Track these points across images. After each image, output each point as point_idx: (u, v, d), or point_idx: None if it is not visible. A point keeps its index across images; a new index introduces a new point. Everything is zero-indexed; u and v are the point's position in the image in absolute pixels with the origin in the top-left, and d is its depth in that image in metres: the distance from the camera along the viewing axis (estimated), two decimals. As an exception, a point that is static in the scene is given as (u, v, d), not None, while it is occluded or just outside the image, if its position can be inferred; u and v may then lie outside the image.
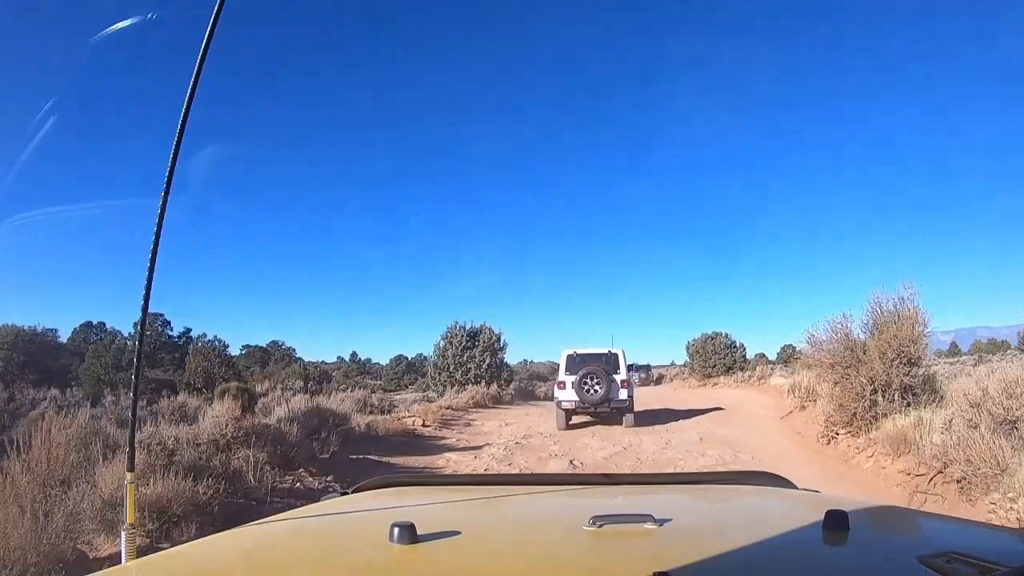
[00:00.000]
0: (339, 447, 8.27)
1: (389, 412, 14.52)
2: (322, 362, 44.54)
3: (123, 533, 1.38)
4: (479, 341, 23.26)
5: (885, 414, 7.44)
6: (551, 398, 16.00)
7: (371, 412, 13.21)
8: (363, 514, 1.29)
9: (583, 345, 12.85)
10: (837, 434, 8.48)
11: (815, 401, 11.32)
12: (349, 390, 18.82)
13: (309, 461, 7.21)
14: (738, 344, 29.00)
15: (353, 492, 1.50)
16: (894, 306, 7.98)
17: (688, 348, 30.58)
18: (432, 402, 18.39)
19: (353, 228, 56.66)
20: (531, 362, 47.75)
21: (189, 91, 1.45)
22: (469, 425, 14.87)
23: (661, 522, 0.98)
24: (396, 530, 0.90)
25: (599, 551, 0.95)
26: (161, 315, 24.21)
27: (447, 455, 9.74)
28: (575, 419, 12.86)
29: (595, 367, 11.68)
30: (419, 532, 0.91)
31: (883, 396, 7.66)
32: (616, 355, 12.24)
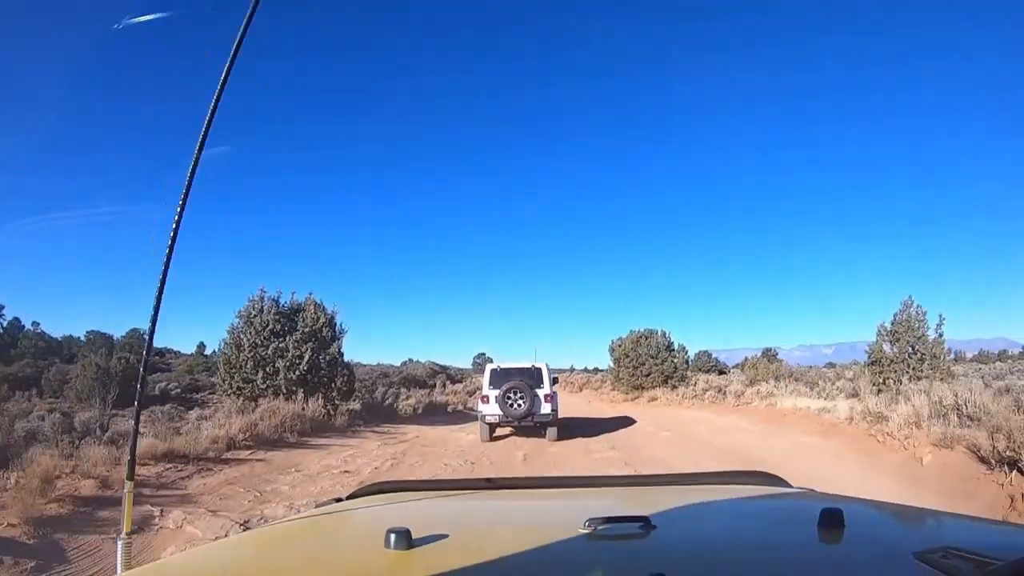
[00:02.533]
0: None
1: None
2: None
3: (119, 542, 1.33)
4: (299, 324, 13.99)
5: None
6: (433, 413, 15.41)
7: None
8: (358, 520, 1.29)
9: (508, 359, 12.45)
10: None
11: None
12: None
13: None
14: (678, 347, 21.84)
15: (348, 498, 1.48)
16: None
17: (612, 351, 22.98)
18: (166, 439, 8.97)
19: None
20: (414, 362, 38.57)
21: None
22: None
23: (657, 523, 0.97)
24: (392, 536, 0.88)
25: (595, 553, 0.92)
26: None
27: None
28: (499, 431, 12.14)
29: (518, 381, 11.28)
30: (414, 537, 0.89)
31: None
32: (539, 369, 11.89)
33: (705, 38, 67.28)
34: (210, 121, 1.44)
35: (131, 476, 1.41)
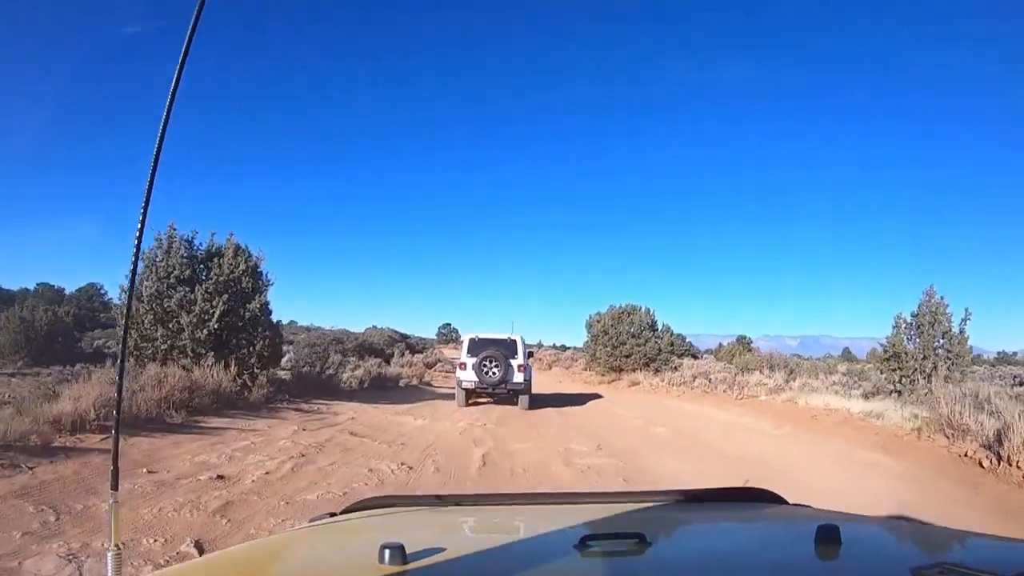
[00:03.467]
0: None
1: None
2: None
3: (108, 555, 1.24)
4: (214, 271, 11.15)
5: None
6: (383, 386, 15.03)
7: None
8: (351, 535, 1.27)
9: (486, 330, 13.00)
10: None
11: None
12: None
13: None
14: (662, 327, 19.67)
15: (342, 513, 1.45)
16: None
17: (589, 327, 20.69)
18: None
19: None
20: (380, 327, 35.83)
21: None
22: None
23: (652, 540, 0.96)
24: (386, 551, 0.86)
25: (590, 570, 0.92)
26: None
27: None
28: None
29: (494, 351, 12.06)
30: (408, 553, 0.88)
31: None
32: (514, 341, 12.50)
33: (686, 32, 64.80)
34: (180, 74, 1.29)
35: (115, 485, 1.31)
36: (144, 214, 1.31)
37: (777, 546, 1.09)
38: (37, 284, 33.57)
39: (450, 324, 72.18)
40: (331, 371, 14.60)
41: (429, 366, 27.72)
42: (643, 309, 19.54)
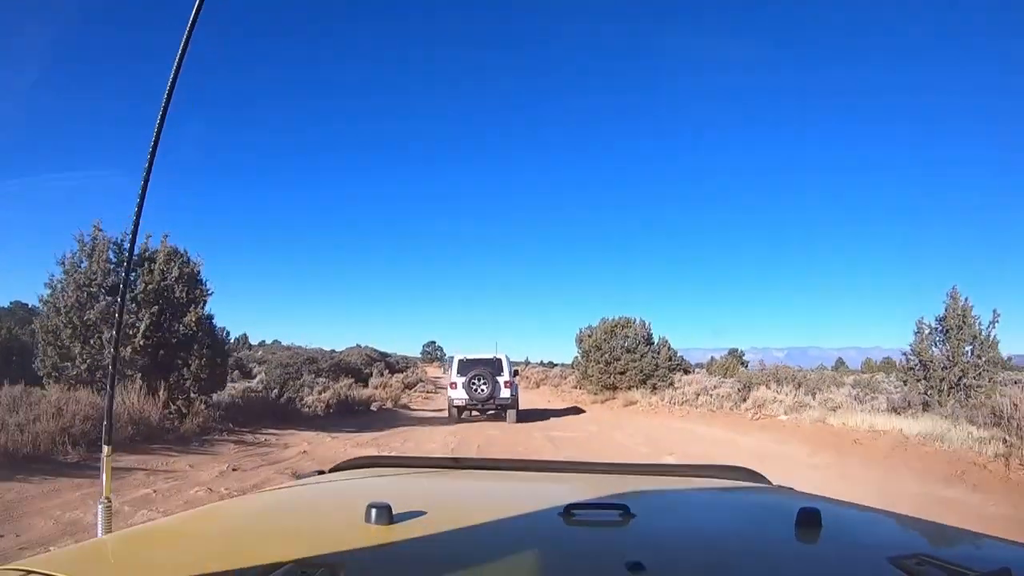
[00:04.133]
0: None
1: None
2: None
3: (99, 506, 1.32)
4: (142, 278, 9.49)
5: None
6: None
7: None
8: (339, 494, 1.28)
9: (472, 351, 13.83)
10: None
11: None
12: None
13: None
14: (658, 341, 18.20)
15: (330, 471, 1.47)
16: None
17: (580, 341, 19.16)
18: None
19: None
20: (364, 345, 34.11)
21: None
22: None
23: (635, 511, 0.96)
24: (373, 510, 0.87)
25: (573, 538, 0.92)
26: None
27: None
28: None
29: (482, 370, 12.83)
30: (395, 512, 0.88)
31: None
32: (500, 360, 13.30)
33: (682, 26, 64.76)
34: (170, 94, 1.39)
35: (109, 440, 1.41)
36: (136, 222, 1.39)
37: (759, 525, 1.08)
38: (11, 302, 32.02)
39: (434, 342, 70.41)
40: (291, 394, 12.89)
41: (409, 386, 25.99)
42: (638, 321, 18.10)
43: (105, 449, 1.40)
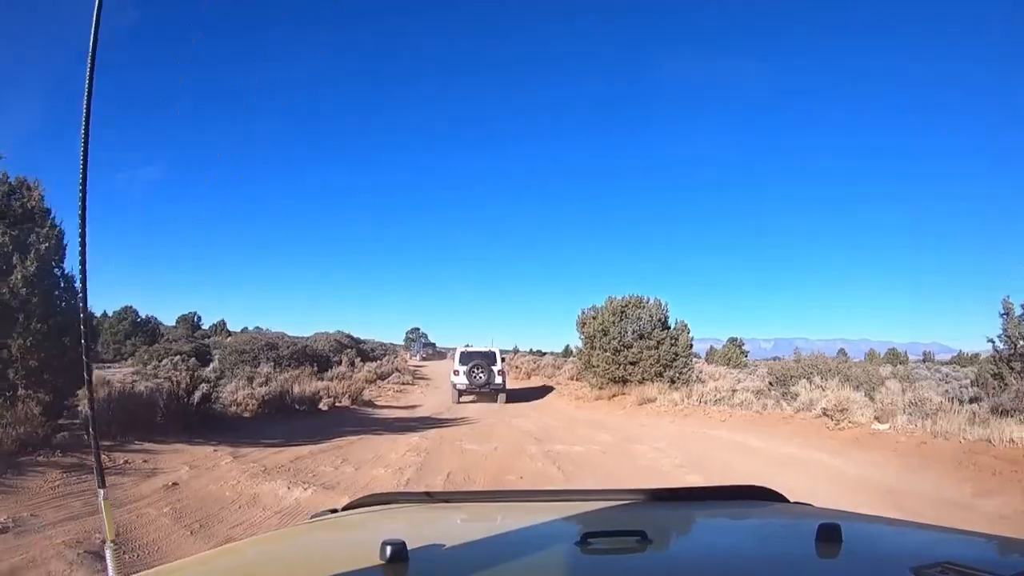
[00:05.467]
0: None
1: None
2: None
3: (107, 551, 1.20)
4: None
5: None
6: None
7: None
8: (353, 532, 1.27)
9: (473, 344, 16.99)
10: None
11: None
12: None
13: None
14: (676, 325, 15.15)
15: (343, 510, 1.42)
16: None
17: (582, 325, 16.03)
18: None
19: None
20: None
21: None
22: None
23: (653, 538, 0.95)
24: (387, 548, 0.85)
25: (591, 568, 0.92)
26: None
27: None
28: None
29: (480, 360, 15.62)
30: (410, 549, 0.86)
31: None
32: (494, 352, 16.10)
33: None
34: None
35: (102, 483, 1.29)
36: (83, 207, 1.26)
37: (779, 544, 1.09)
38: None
39: (418, 328, 67.20)
40: (206, 390, 9.63)
41: (382, 377, 22.83)
42: (651, 301, 15.01)
43: (100, 493, 1.25)
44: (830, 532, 0.93)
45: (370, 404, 14.29)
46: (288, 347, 23.05)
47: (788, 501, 1.41)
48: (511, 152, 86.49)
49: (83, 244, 1.26)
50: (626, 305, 14.78)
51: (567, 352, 42.67)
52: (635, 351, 14.30)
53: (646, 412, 12.10)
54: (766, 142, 72.79)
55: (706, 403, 11.22)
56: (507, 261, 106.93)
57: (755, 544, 1.08)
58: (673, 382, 14.15)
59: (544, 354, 39.10)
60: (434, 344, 48.47)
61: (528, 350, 45.55)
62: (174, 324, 40.03)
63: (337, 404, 12.52)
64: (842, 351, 48.50)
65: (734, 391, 11.41)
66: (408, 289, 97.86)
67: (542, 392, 18.67)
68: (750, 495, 1.47)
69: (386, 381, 21.53)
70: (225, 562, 1.08)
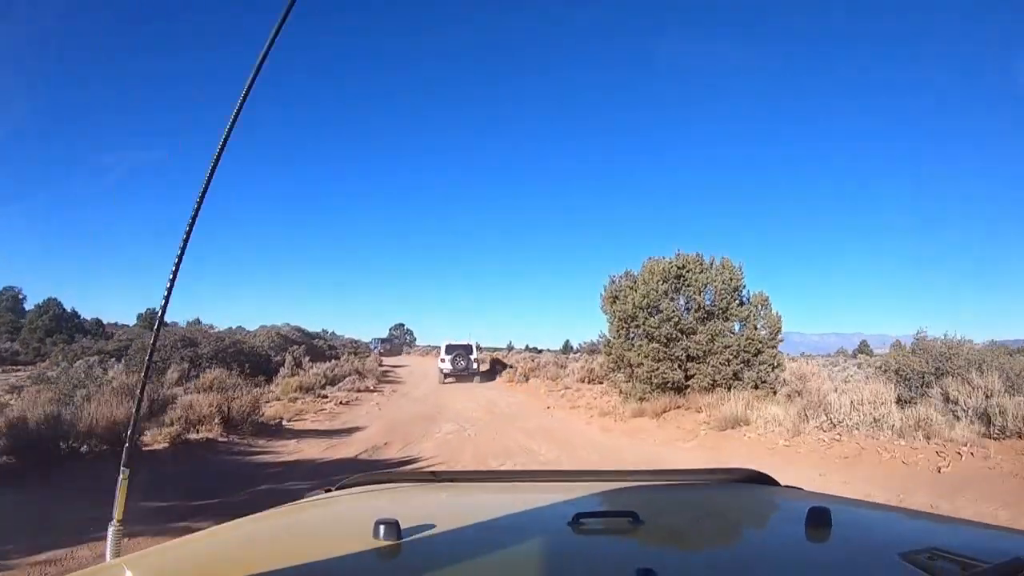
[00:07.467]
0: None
1: None
2: None
3: (110, 529, 1.26)
4: None
5: None
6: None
7: None
8: (347, 511, 1.26)
9: (455, 339, 21.25)
10: None
11: None
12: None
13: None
14: (752, 296, 9.83)
15: (337, 489, 1.41)
16: None
17: (611, 302, 10.59)
18: None
19: None
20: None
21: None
22: None
23: (644, 518, 0.95)
24: (381, 527, 0.85)
25: (583, 548, 0.90)
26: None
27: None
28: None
29: (460, 351, 20.39)
30: (403, 528, 0.86)
31: None
32: (471, 345, 20.89)
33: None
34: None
35: (128, 464, 1.36)
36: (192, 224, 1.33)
37: (768, 527, 1.09)
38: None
39: (403, 324, 62.02)
40: None
41: (333, 382, 17.35)
42: (718, 262, 9.74)
43: (123, 472, 1.33)
44: (820, 516, 0.92)
45: (277, 428, 8.90)
46: (208, 345, 17.59)
47: (779, 485, 1.40)
48: (511, 151, 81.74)
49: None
50: (683, 267, 9.42)
51: (567, 348, 37.50)
52: (699, 341, 8.98)
53: (736, 445, 6.81)
54: (765, 138, 68.99)
55: (838, 425, 5.92)
56: (498, 257, 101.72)
57: (746, 526, 1.09)
58: (756, 387, 8.90)
59: (541, 351, 33.95)
60: (392, 339, 49.06)
61: (524, 347, 40.22)
62: (135, 322, 34.80)
63: (187, 437, 7.03)
64: (864, 343, 43.83)
65: (853, 407, 6.14)
66: (392, 286, 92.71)
67: (542, 404, 13.37)
68: (740, 478, 1.46)
69: (336, 387, 16.17)
70: (220, 541, 1.05)
